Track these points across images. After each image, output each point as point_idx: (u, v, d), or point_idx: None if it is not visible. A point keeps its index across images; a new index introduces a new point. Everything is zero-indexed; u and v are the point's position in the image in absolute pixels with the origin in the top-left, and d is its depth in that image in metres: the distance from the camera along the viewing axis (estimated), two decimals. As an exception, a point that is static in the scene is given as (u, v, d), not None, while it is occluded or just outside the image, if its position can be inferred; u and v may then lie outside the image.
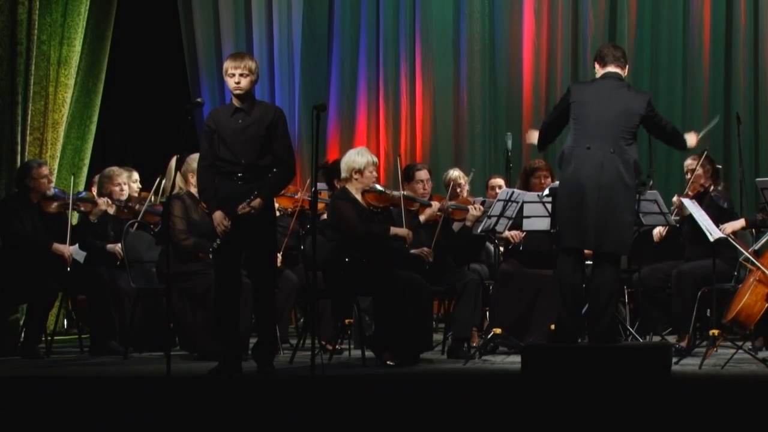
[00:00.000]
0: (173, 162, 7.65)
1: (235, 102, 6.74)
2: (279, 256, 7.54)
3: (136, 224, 8.32)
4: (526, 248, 8.07)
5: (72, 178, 8.76)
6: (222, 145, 6.68)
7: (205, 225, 7.24)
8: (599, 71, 6.97)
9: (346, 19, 11.63)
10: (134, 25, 11.16)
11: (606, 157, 6.73)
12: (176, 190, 7.63)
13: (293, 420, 5.72)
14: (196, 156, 7.39)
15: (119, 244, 8.17)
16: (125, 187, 8.49)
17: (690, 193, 8.03)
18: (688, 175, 8.22)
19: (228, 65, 6.71)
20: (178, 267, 7.48)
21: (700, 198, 8.01)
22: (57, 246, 8.20)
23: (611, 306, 6.90)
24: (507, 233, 8.10)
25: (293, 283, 8.12)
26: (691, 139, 7.10)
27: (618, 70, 6.92)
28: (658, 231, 8.34)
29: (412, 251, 7.71)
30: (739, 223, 7.70)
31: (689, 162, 8.28)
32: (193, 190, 7.60)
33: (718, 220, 7.75)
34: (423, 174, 8.14)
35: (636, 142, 6.90)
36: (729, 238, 7.44)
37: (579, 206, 6.75)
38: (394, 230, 7.48)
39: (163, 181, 8.27)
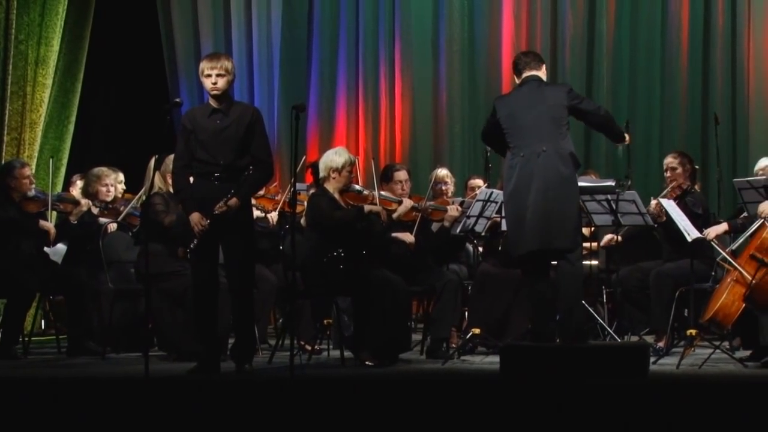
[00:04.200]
0: (152, 162, 7.65)
1: (213, 102, 6.73)
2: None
3: (116, 225, 8.29)
4: (505, 248, 8.07)
5: (51, 161, 8.74)
6: (199, 146, 6.66)
7: (183, 224, 7.23)
8: (518, 80, 7.10)
9: (326, 19, 11.62)
10: (112, 25, 11.12)
11: (540, 156, 6.80)
12: (155, 190, 7.64)
13: (272, 420, 5.71)
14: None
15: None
16: (112, 188, 8.46)
17: (669, 196, 8.04)
18: (668, 173, 8.24)
19: (204, 66, 6.70)
20: (157, 267, 7.45)
21: (677, 201, 8.02)
22: (43, 222, 8.15)
23: (578, 302, 6.93)
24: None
25: (272, 283, 8.11)
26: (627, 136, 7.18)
27: (534, 72, 7.04)
28: (607, 239, 8.39)
29: (394, 234, 7.73)
30: (722, 227, 7.71)
31: (670, 160, 8.29)
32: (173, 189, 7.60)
33: (700, 225, 7.76)
34: (402, 174, 8.16)
35: (569, 132, 6.95)
36: (713, 243, 7.45)
37: (522, 213, 6.81)
38: (368, 208, 7.50)
39: (145, 182, 8.24)
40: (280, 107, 11.42)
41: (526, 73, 7.04)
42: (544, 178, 6.76)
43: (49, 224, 8.17)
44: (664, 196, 8.00)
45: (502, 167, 8.67)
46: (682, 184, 8.15)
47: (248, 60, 11.50)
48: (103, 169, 8.51)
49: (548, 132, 6.84)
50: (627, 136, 7.20)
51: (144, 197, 8.54)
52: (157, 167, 7.44)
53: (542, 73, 7.08)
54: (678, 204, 7.88)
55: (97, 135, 11.47)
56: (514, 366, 6.53)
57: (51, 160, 8.88)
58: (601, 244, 8.67)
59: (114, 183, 8.51)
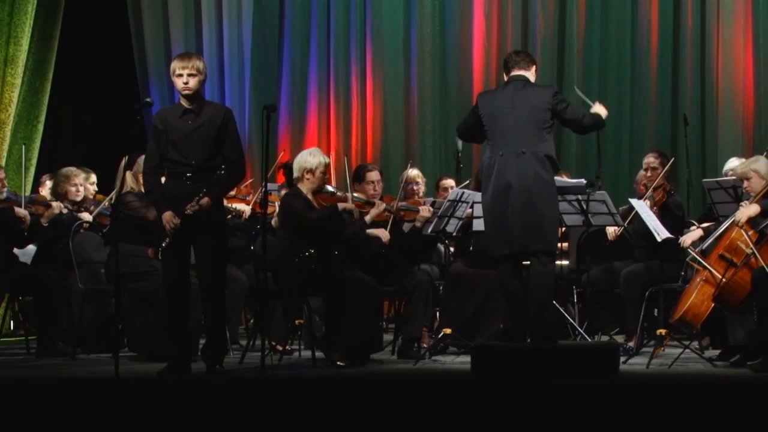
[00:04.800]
0: (123, 163, 7.63)
1: (184, 102, 6.71)
2: None
3: (87, 225, 8.26)
4: (477, 249, 8.09)
5: (24, 147, 8.70)
6: (171, 146, 6.65)
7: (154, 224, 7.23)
8: (505, 78, 7.06)
9: (297, 19, 11.60)
10: (82, 24, 11.06)
11: (519, 158, 6.76)
12: (128, 190, 7.63)
13: (243, 421, 5.70)
14: (146, 156, 7.39)
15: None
16: (81, 188, 8.41)
17: (654, 195, 8.06)
18: (648, 173, 8.24)
19: (175, 65, 6.68)
20: (127, 267, 7.43)
21: (662, 207, 8.05)
22: (18, 210, 8.09)
23: (549, 304, 6.94)
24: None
25: (243, 283, 8.09)
26: (601, 109, 7.03)
27: (521, 72, 6.97)
28: (613, 230, 8.37)
29: (370, 231, 7.74)
30: (697, 234, 7.76)
31: (651, 160, 8.30)
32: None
33: (674, 228, 7.79)
34: (374, 175, 8.17)
35: (551, 135, 6.91)
36: (690, 250, 7.48)
37: (502, 214, 6.78)
38: (341, 205, 7.50)
39: (116, 183, 8.20)
40: (251, 107, 11.40)
41: (514, 72, 6.98)
42: (522, 181, 6.72)
43: (25, 211, 8.11)
44: (650, 200, 8.02)
45: (475, 167, 8.73)
46: (665, 185, 8.18)
47: (219, 60, 11.46)
48: (72, 169, 8.47)
49: (529, 134, 6.79)
50: (603, 111, 6.99)
51: (113, 196, 8.54)
52: (129, 167, 7.41)
53: (531, 74, 6.99)
54: (663, 205, 7.93)
55: (67, 135, 11.41)
56: (485, 366, 6.55)
57: (23, 147, 8.81)
58: (610, 238, 8.57)
59: (83, 183, 8.46)
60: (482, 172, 6.96)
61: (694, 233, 7.67)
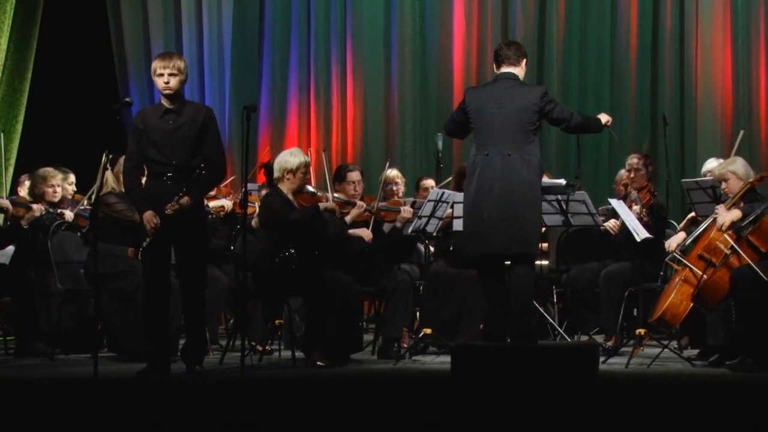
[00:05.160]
0: (104, 161, 7.61)
1: (165, 102, 6.70)
2: None
3: (64, 225, 8.23)
4: (457, 249, 8.10)
5: (2, 135, 8.66)
6: (151, 146, 6.63)
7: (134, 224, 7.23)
8: (496, 72, 7.01)
9: (277, 18, 11.59)
10: (61, 24, 11.02)
11: (505, 160, 6.74)
12: (108, 190, 7.61)
13: (223, 421, 5.69)
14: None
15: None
16: (58, 189, 8.37)
17: (641, 197, 8.09)
18: (631, 174, 8.26)
19: (156, 65, 6.67)
20: (106, 267, 7.41)
21: (649, 205, 8.08)
22: (1, 201, 8.05)
23: (528, 305, 6.94)
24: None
25: (223, 283, 8.08)
26: (604, 117, 7.04)
27: (511, 69, 6.91)
28: (614, 224, 8.32)
29: (351, 231, 7.74)
30: (681, 236, 7.78)
31: (635, 161, 8.31)
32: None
33: (660, 229, 7.82)
34: (355, 175, 8.17)
35: (538, 137, 6.89)
36: (675, 254, 7.50)
37: (484, 214, 6.77)
38: (323, 205, 7.50)
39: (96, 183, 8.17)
40: (231, 107, 11.38)
41: (503, 69, 6.92)
42: (507, 183, 6.71)
43: (6, 201, 8.07)
44: (638, 202, 8.04)
45: (455, 167, 8.73)
46: (649, 186, 8.21)
47: (199, 60, 11.44)
48: (49, 170, 8.43)
49: (516, 135, 6.76)
50: (606, 119, 7.01)
51: (91, 196, 8.51)
52: (110, 167, 7.39)
53: (520, 70, 6.92)
54: (650, 207, 7.95)
55: (46, 135, 11.36)
56: (465, 366, 6.56)
57: (1, 135, 8.76)
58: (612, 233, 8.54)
59: (61, 183, 8.42)
60: (468, 169, 6.94)
61: (678, 236, 7.70)
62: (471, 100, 6.93)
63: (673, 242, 7.60)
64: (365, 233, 7.82)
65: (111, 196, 7.65)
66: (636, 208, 8.01)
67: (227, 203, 8.24)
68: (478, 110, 6.87)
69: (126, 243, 7.57)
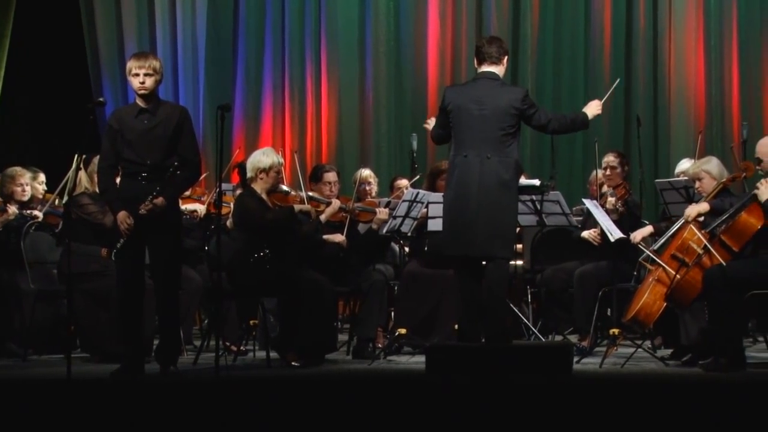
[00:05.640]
0: (75, 162, 7.58)
1: (140, 102, 6.67)
2: None
3: (34, 225, 8.18)
4: (432, 249, 8.11)
5: None
6: (126, 146, 6.61)
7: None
8: (477, 68, 6.99)
9: (251, 18, 11.56)
10: (34, 23, 10.96)
11: (483, 163, 6.74)
12: (81, 190, 7.58)
13: (197, 422, 5.68)
14: (101, 156, 7.36)
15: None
16: (27, 188, 8.31)
17: (616, 193, 8.12)
18: (607, 172, 8.29)
19: (132, 65, 6.64)
20: (79, 267, 7.39)
21: (624, 201, 8.11)
22: None
23: (502, 308, 6.95)
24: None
25: (197, 283, 8.06)
26: (592, 108, 7.05)
27: (491, 68, 6.90)
28: (594, 234, 8.28)
29: (326, 236, 7.73)
30: (648, 230, 7.82)
31: (611, 159, 8.33)
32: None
33: (634, 227, 7.85)
34: (331, 176, 8.18)
35: (517, 140, 6.90)
36: (640, 246, 7.54)
37: (462, 215, 6.77)
38: (298, 207, 7.49)
39: (68, 182, 8.13)
40: (206, 107, 11.35)
41: (484, 68, 6.90)
42: (485, 186, 6.70)
43: None
44: (613, 197, 8.07)
45: (429, 166, 8.75)
46: (624, 184, 8.24)
47: (173, 59, 11.40)
48: (17, 169, 8.37)
49: (495, 137, 6.74)
50: (590, 113, 7.02)
51: (62, 196, 8.46)
52: (84, 167, 7.36)
53: (501, 68, 6.91)
54: (624, 203, 7.98)
55: (20, 134, 11.29)
56: (439, 366, 6.56)
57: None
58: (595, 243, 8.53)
59: (30, 183, 8.37)
60: (448, 169, 6.94)
61: (644, 229, 7.75)
62: (450, 99, 6.91)
63: (638, 234, 7.65)
64: (340, 239, 7.81)
65: (84, 197, 7.61)
66: (612, 200, 8.04)
67: (200, 207, 8.21)
68: (457, 109, 6.84)
69: (99, 243, 7.54)
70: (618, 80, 8.18)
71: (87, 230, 7.60)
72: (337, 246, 7.81)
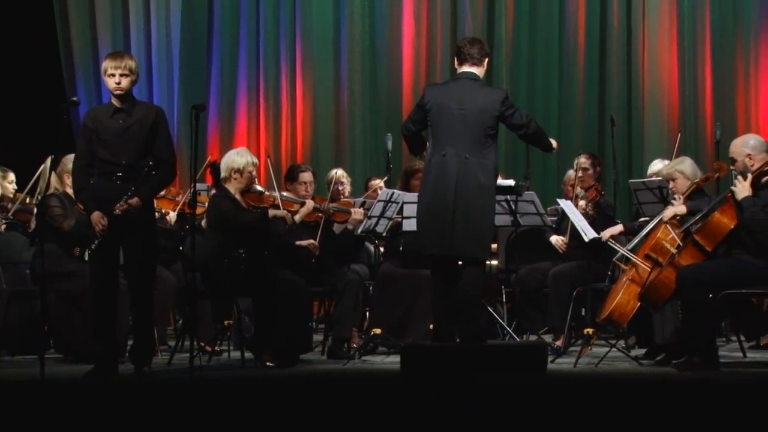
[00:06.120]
0: (48, 162, 7.55)
1: (115, 102, 6.65)
2: None
3: (4, 224, 8.14)
4: (407, 248, 8.11)
5: None
6: (101, 146, 6.59)
7: (87, 219, 7.18)
8: (457, 69, 7.00)
9: (226, 18, 11.54)
10: (6, 22, 10.90)
11: (462, 163, 6.74)
12: (52, 191, 7.54)
13: (172, 423, 5.66)
14: (70, 156, 7.33)
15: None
16: (-4, 188, 8.29)
17: (588, 195, 8.15)
18: (580, 173, 8.32)
19: (107, 65, 6.62)
20: (54, 268, 7.36)
21: (595, 202, 8.14)
22: None
23: (477, 309, 6.96)
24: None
25: (172, 284, 8.04)
26: (554, 142, 7.14)
27: (472, 69, 6.91)
28: (561, 242, 8.31)
29: (299, 242, 7.73)
30: (618, 229, 7.86)
31: (583, 160, 8.36)
32: (69, 190, 7.55)
33: (605, 227, 7.88)
34: (307, 176, 8.17)
35: (496, 141, 6.91)
36: (609, 242, 7.58)
37: (440, 214, 6.76)
38: (272, 212, 7.48)
39: (39, 182, 8.08)
40: (180, 107, 11.32)
41: (465, 68, 6.90)
42: (463, 186, 6.71)
43: None
44: (584, 199, 8.10)
45: (404, 166, 8.76)
46: (596, 186, 8.27)
47: (147, 59, 11.37)
48: None
49: (474, 138, 6.75)
50: (554, 144, 7.11)
51: (33, 194, 8.43)
52: (53, 168, 7.33)
53: (482, 70, 6.91)
54: (595, 204, 8.01)
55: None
56: (414, 366, 6.57)
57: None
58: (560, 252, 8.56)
59: (1, 182, 8.33)
60: (424, 168, 6.93)
61: (614, 228, 7.79)
62: (430, 97, 6.90)
63: (607, 232, 7.69)
64: (311, 245, 7.78)
65: (53, 198, 7.57)
66: (582, 203, 8.07)
67: (172, 214, 8.15)
68: (437, 107, 6.83)
69: (72, 243, 7.51)
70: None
71: (60, 233, 7.57)
72: (308, 249, 7.78)
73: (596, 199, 8.14)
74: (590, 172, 8.29)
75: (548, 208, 8.57)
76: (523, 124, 6.89)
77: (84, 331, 7.31)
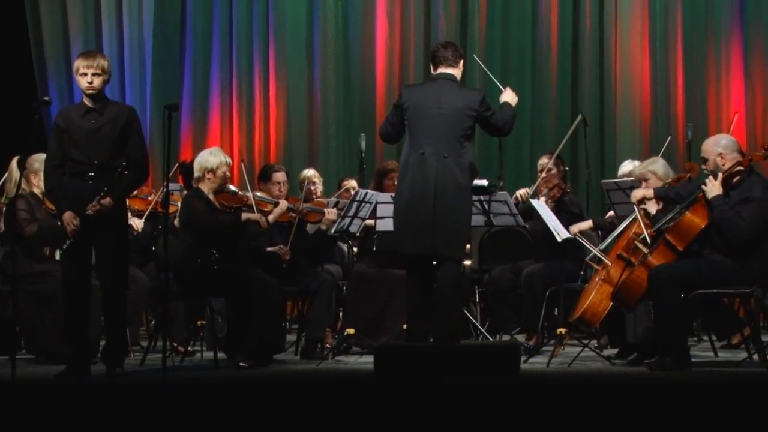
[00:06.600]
0: (14, 162, 7.52)
1: (87, 101, 6.62)
2: None
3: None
4: (380, 249, 8.12)
5: None
6: (73, 146, 6.56)
7: (50, 225, 7.13)
8: (433, 73, 7.02)
9: (199, 17, 11.51)
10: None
11: (440, 162, 6.75)
12: (20, 192, 7.49)
13: (144, 424, 5.64)
14: (37, 156, 7.33)
15: None
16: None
17: (551, 195, 8.17)
18: (543, 174, 8.35)
19: (79, 64, 6.59)
20: (25, 268, 7.32)
21: (557, 203, 8.17)
22: None
23: (452, 309, 6.97)
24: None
25: (144, 284, 8.01)
26: (509, 96, 7.11)
27: (449, 71, 6.94)
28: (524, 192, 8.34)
29: (269, 249, 7.72)
30: (587, 224, 7.89)
31: (544, 161, 8.42)
32: (36, 191, 7.54)
33: (569, 224, 7.91)
34: (280, 176, 8.16)
35: (472, 142, 6.94)
36: (578, 237, 7.62)
37: (418, 213, 6.76)
38: (245, 215, 7.47)
39: (6, 184, 8.01)
40: (153, 107, 11.28)
41: (441, 70, 6.92)
42: (441, 185, 6.71)
43: None
44: (545, 196, 8.13)
45: (377, 166, 8.76)
46: (560, 184, 8.31)
47: (119, 58, 11.31)
48: None
49: (452, 138, 6.76)
50: (509, 95, 7.10)
51: (6, 198, 8.37)
52: (22, 168, 7.29)
53: (458, 71, 6.95)
54: (558, 203, 8.04)
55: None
56: (388, 366, 6.57)
57: None
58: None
59: None
60: (401, 167, 6.94)
61: (582, 223, 7.83)
62: (408, 97, 6.92)
63: (575, 227, 7.73)
64: (281, 250, 7.76)
65: (20, 200, 7.49)
66: (542, 200, 8.10)
67: (137, 221, 8.07)
68: (415, 107, 6.85)
69: (33, 248, 7.47)
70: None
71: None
72: (280, 260, 7.76)
73: (556, 196, 8.18)
74: (554, 171, 8.31)
75: (520, 206, 8.56)
76: (499, 126, 6.94)
77: (56, 332, 7.28)
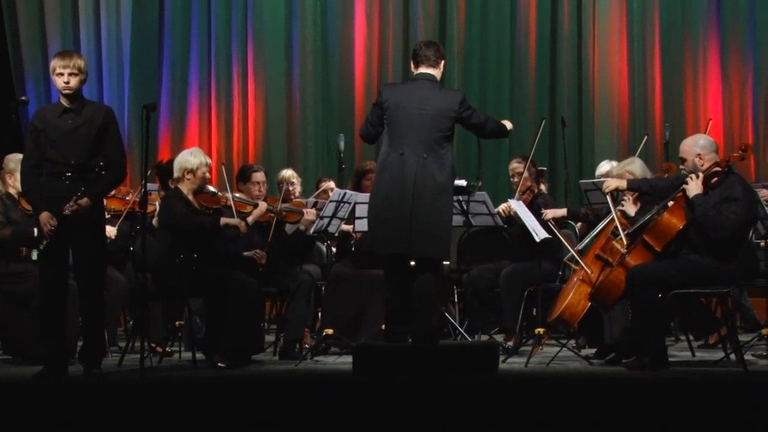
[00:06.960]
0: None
1: (64, 101, 6.60)
2: None
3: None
4: (359, 249, 8.12)
5: None
6: (50, 146, 6.53)
7: (26, 225, 7.11)
8: (413, 71, 7.02)
9: (177, 18, 11.49)
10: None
11: (420, 163, 6.73)
12: (-4, 194, 7.49)
13: (122, 424, 5.63)
14: (13, 156, 7.30)
15: None
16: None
17: (523, 199, 8.20)
18: (515, 179, 8.40)
19: (56, 64, 6.57)
20: (1, 269, 7.30)
21: (530, 206, 8.19)
22: None
23: (431, 309, 6.96)
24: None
25: (122, 284, 7.98)
26: (508, 123, 7.16)
27: (429, 71, 6.93)
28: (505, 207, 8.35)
29: (245, 253, 7.70)
30: (561, 212, 7.91)
31: (515, 165, 8.47)
32: (12, 191, 7.50)
33: (543, 225, 7.93)
34: (259, 176, 8.14)
35: (452, 143, 6.94)
36: (557, 234, 7.62)
37: (396, 213, 6.74)
38: (224, 220, 7.45)
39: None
40: (131, 106, 11.24)
41: (422, 69, 6.91)
42: (421, 186, 6.69)
43: None
44: (519, 198, 8.16)
45: (356, 166, 8.76)
46: (532, 186, 8.34)
47: (97, 58, 11.28)
48: None
49: (432, 138, 6.74)
50: (509, 125, 7.12)
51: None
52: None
53: (438, 71, 6.94)
54: (530, 206, 8.06)
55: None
56: (366, 366, 6.57)
57: None
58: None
59: None
60: (379, 166, 6.92)
61: (557, 210, 7.86)
62: (388, 96, 6.89)
63: (549, 213, 7.76)
64: (256, 255, 7.74)
65: None
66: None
67: (110, 229, 8.00)
68: (396, 107, 6.82)
69: (21, 244, 7.44)
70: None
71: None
72: (256, 264, 7.74)
73: (528, 199, 8.21)
74: (525, 175, 8.32)
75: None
76: (480, 124, 6.93)
77: (32, 333, 7.24)
